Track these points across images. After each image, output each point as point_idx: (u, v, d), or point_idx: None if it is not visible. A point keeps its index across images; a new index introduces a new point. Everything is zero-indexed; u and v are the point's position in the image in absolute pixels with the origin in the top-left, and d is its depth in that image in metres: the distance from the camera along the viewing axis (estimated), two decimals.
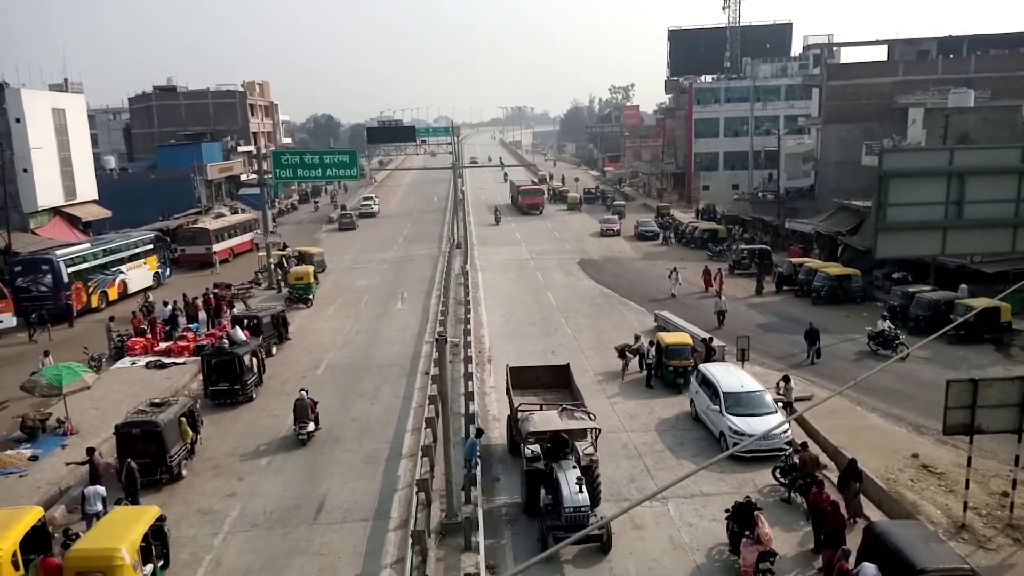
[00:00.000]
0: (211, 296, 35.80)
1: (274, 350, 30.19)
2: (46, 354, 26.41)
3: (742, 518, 15.02)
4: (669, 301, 37.29)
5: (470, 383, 23.69)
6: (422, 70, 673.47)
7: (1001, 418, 15.98)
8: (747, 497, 15.86)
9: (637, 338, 27.42)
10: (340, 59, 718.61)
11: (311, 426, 22.11)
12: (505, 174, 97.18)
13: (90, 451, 18.53)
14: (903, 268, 37.71)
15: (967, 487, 16.55)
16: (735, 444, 19.27)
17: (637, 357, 26.58)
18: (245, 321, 29.27)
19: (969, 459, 16.74)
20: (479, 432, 19.33)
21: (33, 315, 33.56)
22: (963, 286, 32.90)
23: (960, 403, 15.86)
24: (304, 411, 22.06)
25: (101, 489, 16.97)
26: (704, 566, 15.21)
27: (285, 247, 48.67)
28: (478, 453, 18.57)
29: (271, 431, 22.75)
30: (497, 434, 21.79)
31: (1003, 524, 16.07)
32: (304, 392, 22.54)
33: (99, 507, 16.69)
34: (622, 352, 26.69)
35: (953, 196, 19.43)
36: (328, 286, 42.81)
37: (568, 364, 22.18)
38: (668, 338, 26.11)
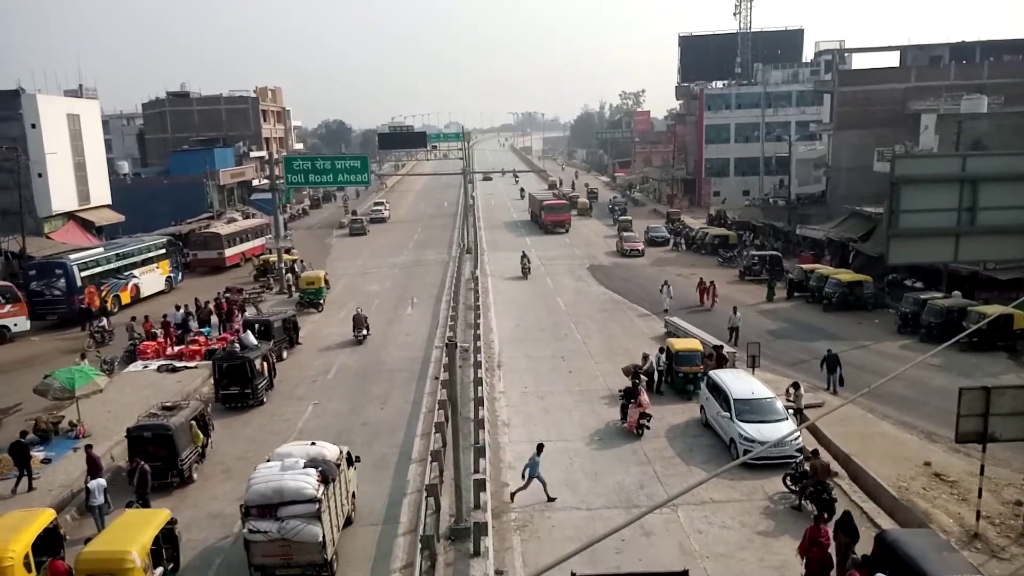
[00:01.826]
0: (223, 300, 36.00)
1: (285, 354, 30.30)
2: (82, 356, 26.64)
3: (629, 394, 22.12)
4: (673, 312, 35.26)
5: (480, 388, 23.69)
6: (433, 76, 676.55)
7: (1015, 426, 15.83)
8: (634, 380, 22.72)
9: (646, 357, 25.80)
10: (351, 65, 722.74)
11: (364, 331, 32.11)
12: (521, 189, 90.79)
13: (88, 447, 18.79)
14: (915, 275, 37.56)
15: (980, 496, 16.41)
16: (745, 451, 19.19)
17: (646, 379, 24.62)
18: (256, 326, 29.47)
19: (982, 467, 16.60)
20: (539, 448, 18.58)
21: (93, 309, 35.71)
22: (956, 293, 32.82)
23: (973, 411, 15.72)
24: (360, 321, 32.24)
25: (102, 481, 17.24)
26: (712, 569, 15.15)
27: (289, 250, 48.69)
28: (540, 474, 18.04)
29: (282, 435, 22.82)
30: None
31: (1017, 533, 15.91)
32: (359, 308, 33.33)
33: (101, 499, 16.97)
34: (635, 374, 24.35)
35: (966, 203, 19.20)
36: (339, 291, 42.97)
37: (686, 573, 12.45)
38: (678, 344, 26.03)
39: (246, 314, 34.77)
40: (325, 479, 15.25)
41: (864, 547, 14.05)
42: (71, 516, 17.87)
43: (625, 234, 57.04)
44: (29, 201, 45.25)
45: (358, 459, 18.13)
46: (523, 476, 18.15)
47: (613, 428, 22.59)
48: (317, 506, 14.67)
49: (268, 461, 15.99)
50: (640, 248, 54.44)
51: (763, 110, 76.96)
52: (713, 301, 37.23)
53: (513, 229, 68.65)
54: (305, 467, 15.28)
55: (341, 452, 16.90)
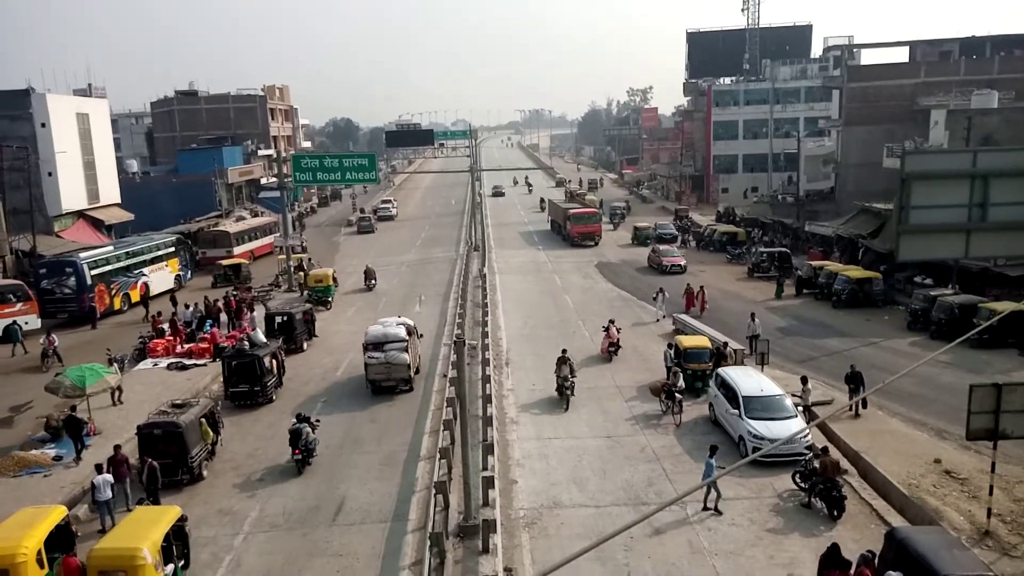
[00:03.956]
0: (231, 298, 36.13)
1: (305, 346, 31.49)
2: (110, 362, 26.75)
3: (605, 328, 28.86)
4: (666, 318, 34.29)
5: (488, 385, 23.72)
6: (440, 73, 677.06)
7: None
8: (611, 320, 30.05)
9: (676, 374, 23.76)
10: (359, 63, 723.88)
11: (373, 281, 42.43)
12: (541, 199, 78.58)
13: (116, 448, 18.90)
14: (925, 272, 37.39)
15: (991, 493, 16.33)
16: (754, 448, 19.14)
17: (680, 398, 22.98)
18: (278, 318, 30.83)
19: (993, 465, 16.52)
20: (713, 449, 17.87)
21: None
22: (956, 288, 32.67)
23: (984, 408, 15.64)
24: (370, 273, 42.59)
25: (109, 477, 17.41)
26: (722, 567, 15.13)
27: (293, 248, 48.62)
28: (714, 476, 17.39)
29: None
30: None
31: None
32: (369, 263, 43.41)
33: (108, 494, 17.14)
34: (669, 392, 23.14)
35: (977, 198, 19.09)
36: (347, 288, 43.05)
37: None
38: (687, 341, 25.98)
39: (255, 312, 34.85)
40: (409, 332, 26.08)
41: (874, 545, 14.03)
42: (82, 513, 17.99)
43: (662, 247, 49.54)
44: (39, 200, 45.57)
45: (421, 335, 29.28)
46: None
47: (622, 426, 22.58)
48: (406, 343, 25.36)
49: (374, 325, 26.67)
50: (682, 263, 46.11)
51: (771, 106, 76.69)
52: (702, 308, 35.37)
53: (530, 243, 60.06)
54: (397, 325, 26.05)
55: (415, 325, 27.92)
